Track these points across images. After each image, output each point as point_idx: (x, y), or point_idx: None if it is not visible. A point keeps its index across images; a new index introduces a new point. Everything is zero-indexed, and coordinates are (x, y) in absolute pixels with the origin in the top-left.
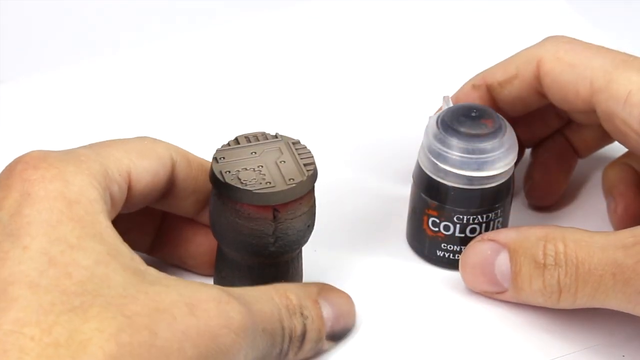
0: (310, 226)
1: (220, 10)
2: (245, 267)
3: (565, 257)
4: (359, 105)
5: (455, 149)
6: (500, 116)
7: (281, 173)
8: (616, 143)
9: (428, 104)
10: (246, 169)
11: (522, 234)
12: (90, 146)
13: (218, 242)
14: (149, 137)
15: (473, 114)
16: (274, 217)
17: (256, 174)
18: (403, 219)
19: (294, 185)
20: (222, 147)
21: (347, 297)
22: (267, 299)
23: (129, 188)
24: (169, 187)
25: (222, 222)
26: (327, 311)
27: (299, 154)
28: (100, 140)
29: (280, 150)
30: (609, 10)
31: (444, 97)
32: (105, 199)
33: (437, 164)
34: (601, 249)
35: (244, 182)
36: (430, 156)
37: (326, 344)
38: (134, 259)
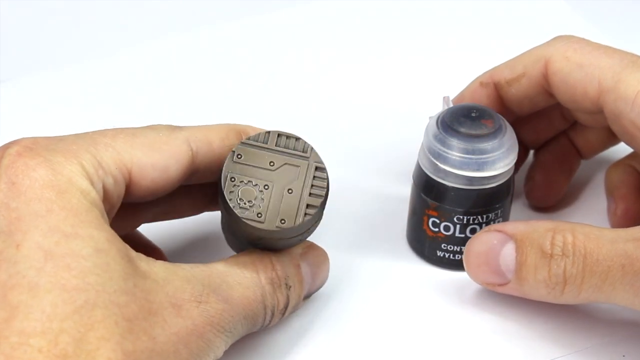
0: (303, 240)
1: (221, 10)
2: (244, 241)
3: (573, 247)
4: (359, 106)
5: (455, 150)
6: (501, 116)
7: (279, 207)
8: (620, 144)
9: (428, 104)
10: (252, 184)
11: (531, 225)
12: (89, 134)
13: None
14: (166, 127)
15: (473, 115)
16: (260, 235)
17: (257, 195)
18: (403, 219)
19: (279, 229)
20: (249, 138)
21: (324, 254)
22: (251, 277)
23: (131, 183)
24: (189, 175)
25: (221, 204)
26: (305, 272)
27: (312, 186)
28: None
29: (298, 174)
30: (608, 10)
31: (444, 97)
32: (98, 190)
33: (437, 164)
34: (611, 241)
35: (240, 200)
36: (430, 156)
37: (301, 303)
38: (126, 246)
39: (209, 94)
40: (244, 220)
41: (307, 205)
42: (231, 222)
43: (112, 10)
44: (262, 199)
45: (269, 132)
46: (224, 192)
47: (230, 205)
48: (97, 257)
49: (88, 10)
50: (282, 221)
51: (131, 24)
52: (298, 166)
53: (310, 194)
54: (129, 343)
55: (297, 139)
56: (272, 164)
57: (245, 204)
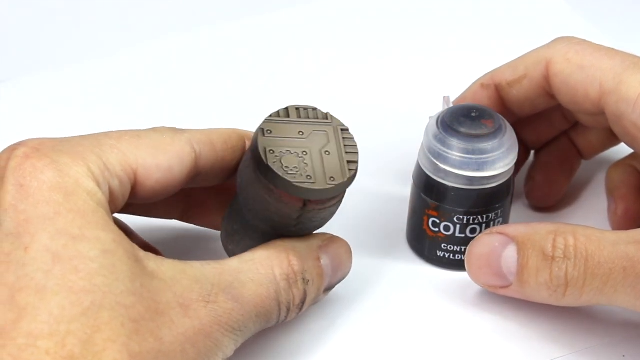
0: (334, 214)
1: (221, 10)
2: (260, 232)
3: (575, 250)
4: (359, 106)
5: (455, 150)
6: (500, 116)
7: (324, 167)
8: (621, 144)
9: (428, 104)
10: (290, 152)
11: (532, 228)
12: (94, 136)
13: (236, 199)
14: (169, 129)
15: (473, 115)
16: (304, 205)
17: (299, 162)
18: (403, 219)
19: (333, 186)
20: (271, 116)
21: (346, 246)
22: (265, 273)
23: (136, 184)
24: (192, 176)
25: (250, 192)
26: (326, 265)
27: (345, 146)
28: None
29: (328, 137)
30: (608, 10)
31: (444, 97)
32: (104, 191)
33: (437, 164)
34: (612, 243)
35: (286, 168)
36: (430, 156)
37: (322, 296)
38: (133, 246)
39: (209, 94)
40: (297, 184)
41: (348, 162)
42: (270, 203)
43: (112, 10)
44: (306, 163)
45: (286, 108)
46: (269, 164)
47: (280, 174)
48: (104, 258)
49: (88, 10)
50: (332, 179)
51: (131, 24)
52: (325, 131)
53: (346, 152)
54: (135, 344)
55: (314, 108)
56: (301, 133)
57: (291, 170)
